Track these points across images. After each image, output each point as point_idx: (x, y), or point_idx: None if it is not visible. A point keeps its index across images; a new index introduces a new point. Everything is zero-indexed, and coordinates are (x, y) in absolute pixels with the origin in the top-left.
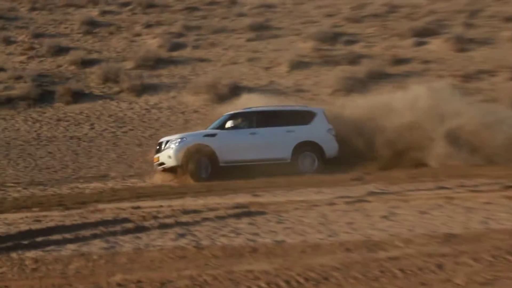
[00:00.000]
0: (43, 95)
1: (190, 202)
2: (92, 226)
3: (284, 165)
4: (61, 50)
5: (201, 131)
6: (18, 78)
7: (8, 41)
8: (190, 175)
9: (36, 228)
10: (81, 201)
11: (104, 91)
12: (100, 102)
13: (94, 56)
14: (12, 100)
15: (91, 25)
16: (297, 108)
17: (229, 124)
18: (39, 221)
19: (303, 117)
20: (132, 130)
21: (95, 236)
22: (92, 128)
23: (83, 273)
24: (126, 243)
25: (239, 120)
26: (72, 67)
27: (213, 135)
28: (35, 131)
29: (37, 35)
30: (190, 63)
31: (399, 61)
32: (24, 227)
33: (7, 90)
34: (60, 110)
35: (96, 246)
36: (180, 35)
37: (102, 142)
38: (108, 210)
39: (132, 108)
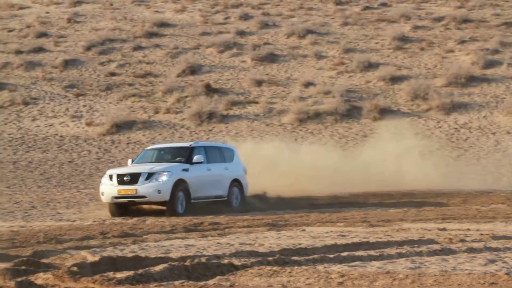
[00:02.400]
0: (350, 111)
1: (500, 227)
2: (397, 244)
3: (221, 202)
4: (370, 66)
5: (176, 164)
6: (327, 93)
7: (319, 56)
8: (170, 211)
9: (341, 243)
10: (386, 219)
11: (412, 108)
12: (407, 119)
13: (404, 72)
14: (320, 115)
15: (402, 41)
16: (225, 144)
17: (196, 158)
18: (344, 236)
19: (228, 154)
20: (439, 149)
21: (400, 255)
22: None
23: None
24: (432, 265)
25: (200, 154)
26: (381, 83)
27: (186, 169)
28: (341, 147)
29: (348, 50)
30: (505, 82)
31: None
32: (329, 241)
33: (316, 105)
34: (366, 126)
35: (401, 265)
36: (495, 51)
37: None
38: (413, 229)
39: (440, 127)
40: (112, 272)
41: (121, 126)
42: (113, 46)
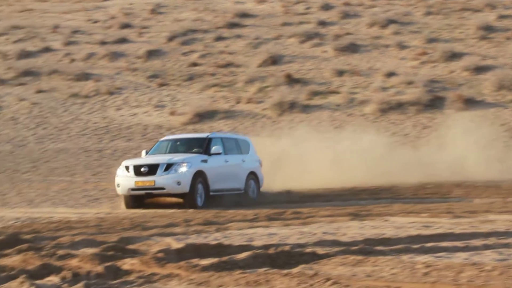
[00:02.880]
0: (433, 101)
1: None
2: (483, 236)
3: (238, 195)
4: (454, 56)
5: (195, 155)
6: (410, 83)
7: (401, 46)
8: (189, 204)
9: (425, 234)
10: (471, 210)
11: (497, 98)
12: (492, 110)
13: (489, 62)
14: (402, 105)
15: (487, 30)
16: (241, 136)
17: (214, 149)
18: (428, 227)
19: (244, 146)
20: None
21: (486, 247)
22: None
23: (475, 283)
24: None
25: (218, 145)
26: (465, 73)
27: (205, 160)
28: (424, 137)
29: (431, 40)
30: None
31: None
32: (413, 232)
33: (398, 95)
34: (450, 117)
35: (488, 257)
36: None
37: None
38: (500, 221)
39: None
40: (196, 259)
41: (203, 116)
42: (195, 37)
